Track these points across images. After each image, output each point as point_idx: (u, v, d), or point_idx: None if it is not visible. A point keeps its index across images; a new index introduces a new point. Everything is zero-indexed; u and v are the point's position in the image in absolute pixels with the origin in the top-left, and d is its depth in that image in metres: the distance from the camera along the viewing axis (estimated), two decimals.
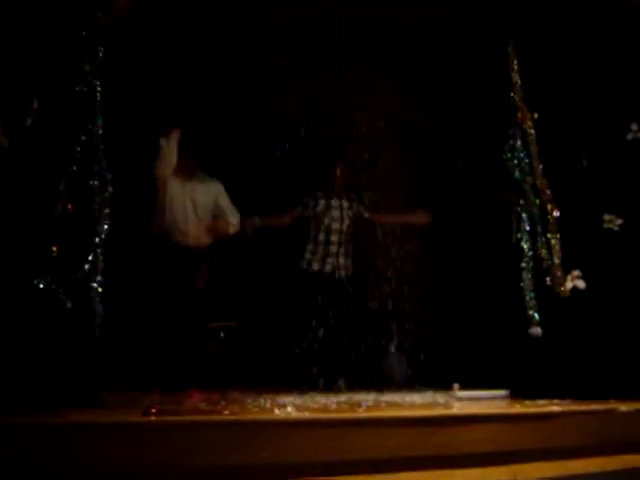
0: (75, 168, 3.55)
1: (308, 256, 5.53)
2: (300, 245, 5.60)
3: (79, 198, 3.56)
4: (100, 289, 3.54)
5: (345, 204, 5.61)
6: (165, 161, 5.08)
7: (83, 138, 3.62)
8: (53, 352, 3.31)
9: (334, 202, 5.56)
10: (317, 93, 5.87)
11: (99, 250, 3.59)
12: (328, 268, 5.48)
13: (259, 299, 5.78)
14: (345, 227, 5.57)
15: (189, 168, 5.32)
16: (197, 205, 5.33)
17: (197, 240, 5.31)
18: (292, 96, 5.97)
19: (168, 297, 4.90)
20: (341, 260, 5.53)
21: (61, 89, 3.62)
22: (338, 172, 5.60)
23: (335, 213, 5.56)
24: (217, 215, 5.39)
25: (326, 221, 5.52)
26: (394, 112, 5.99)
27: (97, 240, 3.57)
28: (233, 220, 5.38)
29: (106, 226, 3.64)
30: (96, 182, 3.66)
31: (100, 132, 3.72)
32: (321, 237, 5.51)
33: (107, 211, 3.66)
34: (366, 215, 5.64)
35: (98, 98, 3.72)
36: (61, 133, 3.58)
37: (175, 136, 5.05)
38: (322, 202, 5.56)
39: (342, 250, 5.53)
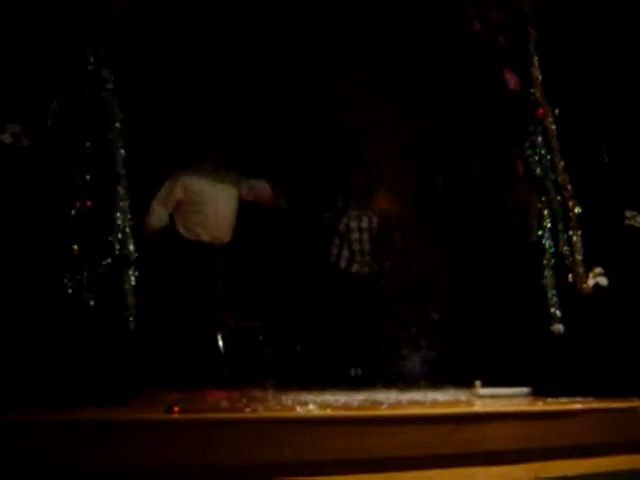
0: (92, 166, 3.57)
1: (334, 255, 5.57)
2: (324, 244, 5.62)
3: (97, 194, 3.57)
4: (133, 283, 3.56)
5: (364, 204, 5.66)
6: (156, 214, 4.95)
7: (99, 137, 3.64)
8: (79, 350, 3.34)
9: (352, 203, 5.62)
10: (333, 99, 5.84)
11: (129, 244, 3.61)
12: (354, 267, 5.53)
13: (282, 296, 5.78)
14: (364, 225, 5.62)
15: (214, 161, 5.18)
16: (229, 199, 5.20)
17: (225, 237, 5.16)
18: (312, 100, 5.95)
19: (191, 296, 4.82)
20: (367, 258, 5.57)
21: (78, 89, 3.64)
22: (355, 177, 5.65)
23: (353, 212, 5.61)
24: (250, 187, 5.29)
25: (344, 220, 5.57)
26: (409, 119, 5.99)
27: (121, 236, 3.59)
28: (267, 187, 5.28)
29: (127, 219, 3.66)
30: (115, 180, 3.67)
31: (118, 129, 3.73)
32: (345, 237, 5.56)
33: (127, 204, 3.67)
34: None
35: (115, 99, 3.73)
36: (78, 131, 3.60)
37: (179, 182, 4.99)
38: (341, 204, 5.61)
39: (365, 247, 5.57)
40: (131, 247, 3.63)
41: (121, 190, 3.67)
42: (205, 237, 5.05)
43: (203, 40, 5.39)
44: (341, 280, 5.51)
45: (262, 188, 5.27)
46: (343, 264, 5.52)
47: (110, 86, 3.73)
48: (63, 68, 3.63)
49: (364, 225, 5.63)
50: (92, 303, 3.39)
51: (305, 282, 5.81)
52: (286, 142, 5.96)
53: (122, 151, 3.75)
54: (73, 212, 3.47)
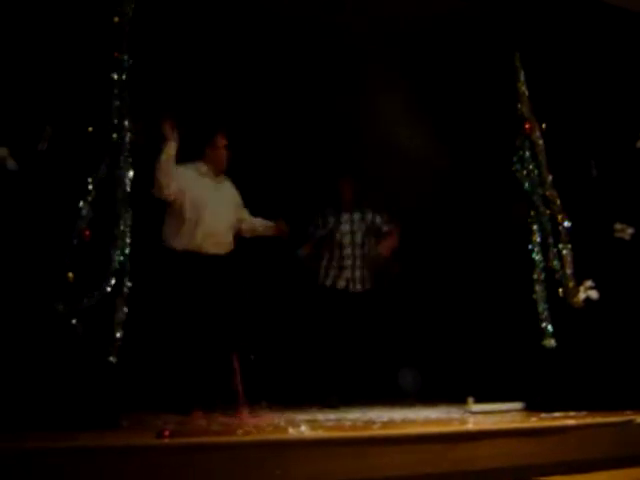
0: (95, 194, 3.55)
1: (322, 272, 5.49)
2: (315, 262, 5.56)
3: (98, 225, 3.54)
4: (124, 316, 3.52)
5: (356, 216, 5.57)
6: (165, 176, 4.26)
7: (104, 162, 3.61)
8: (69, 376, 3.31)
9: (344, 217, 5.52)
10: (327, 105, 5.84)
11: (125, 276, 3.57)
12: (342, 283, 5.44)
13: (273, 316, 5.74)
14: (357, 240, 5.53)
15: (219, 165, 4.58)
16: (230, 208, 4.62)
17: (229, 247, 4.58)
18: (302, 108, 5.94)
19: (194, 314, 4.31)
20: (356, 273, 5.49)
21: (81, 116, 3.62)
22: (345, 187, 5.56)
23: (345, 227, 5.52)
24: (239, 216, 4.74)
25: (337, 236, 5.48)
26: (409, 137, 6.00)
27: (118, 267, 3.55)
28: (258, 222, 4.81)
29: (126, 252, 3.61)
30: (116, 208, 3.63)
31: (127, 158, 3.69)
32: (335, 253, 5.47)
33: (128, 240, 3.63)
34: (385, 228, 5.58)
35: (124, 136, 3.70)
36: (82, 158, 3.58)
37: (173, 144, 4.25)
38: (332, 219, 5.52)
39: (357, 263, 5.49)
40: (127, 281, 3.57)
41: (122, 224, 3.61)
42: (206, 246, 4.43)
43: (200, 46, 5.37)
44: (331, 296, 5.43)
45: (265, 227, 4.82)
46: (329, 281, 5.43)
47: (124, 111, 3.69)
48: (60, 94, 3.61)
49: (357, 240, 5.54)
50: (81, 330, 3.37)
51: (293, 301, 5.75)
52: (282, 150, 5.93)
53: (128, 181, 3.69)
54: (71, 240, 3.44)
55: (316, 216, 5.50)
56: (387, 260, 5.48)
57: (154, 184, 4.29)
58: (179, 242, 4.37)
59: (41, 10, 3.61)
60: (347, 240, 5.43)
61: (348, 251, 5.42)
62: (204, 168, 4.56)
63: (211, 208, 4.44)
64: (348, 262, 5.40)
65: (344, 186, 5.52)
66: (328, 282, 5.38)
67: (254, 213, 4.89)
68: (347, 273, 5.40)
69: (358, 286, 5.41)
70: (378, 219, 5.52)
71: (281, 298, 5.86)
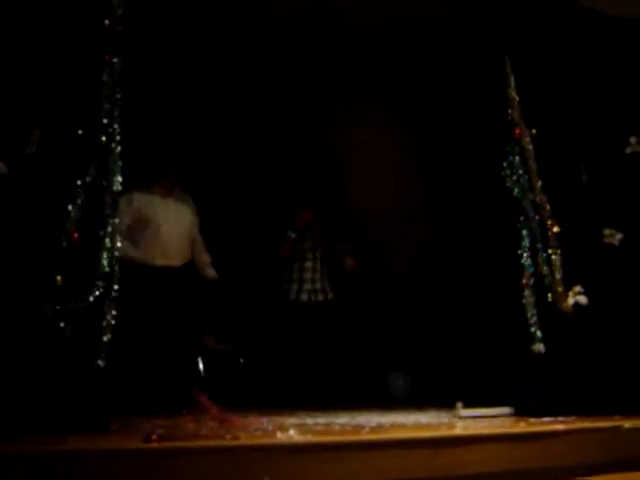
0: (83, 197, 3.52)
1: (285, 286, 5.52)
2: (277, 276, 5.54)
3: (86, 228, 3.52)
4: (112, 321, 3.49)
5: (318, 233, 5.58)
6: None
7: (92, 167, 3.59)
8: (58, 379, 3.29)
9: (307, 233, 5.55)
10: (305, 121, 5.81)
11: (113, 280, 3.55)
12: (304, 296, 5.48)
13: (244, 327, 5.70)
14: (319, 254, 5.56)
15: (169, 182, 5.02)
16: (183, 223, 5.02)
17: (181, 260, 4.99)
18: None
19: (160, 319, 4.67)
20: (317, 285, 5.52)
21: (70, 119, 3.60)
22: (306, 214, 5.54)
23: (307, 243, 5.55)
24: (193, 242, 5.12)
25: (298, 251, 5.52)
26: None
27: (107, 270, 3.52)
28: (208, 260, 5.18)
29: (115, 256, 3.58)
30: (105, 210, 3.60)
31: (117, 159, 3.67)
32: (295, 266, 5.51)
33: (117, 243, 3.60)
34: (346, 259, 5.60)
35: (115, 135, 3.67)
36: (71, 161, 3.56)
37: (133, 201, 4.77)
38: (292, 235, 5.51)
39: (317, 276, 5.52)
40: (115, 285, 3.55)
41: (110, 228, 3.59)
42: (159, 259, 4.86)
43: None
44: (295, 309, 5.46)
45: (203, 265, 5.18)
46: (292, 296, 5.47)
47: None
48: (49, 96, 3.58)
49: (318, 254, 5.56)
50: (69, 334, 3.35)
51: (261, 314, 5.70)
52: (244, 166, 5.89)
53: (118, 184, 3.67)
54: (60, 242, 3.42)
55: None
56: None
57: None
58: (136, 254, 4.77)
59: (31, 13, 3.59)
60: (309, 255, 5.49)
61: (309, 264, 5.47)
62: (156, 189, 4.95)
63: (164, 224, 4.86)
64: (308, 275, 5.46)
65: (305, 215, 5.51)
66: (292, 296, 5.44)
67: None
68: (308, 286, 5.45)
69: (320, 297, 5.47)
70: (341, 247, 5.55)
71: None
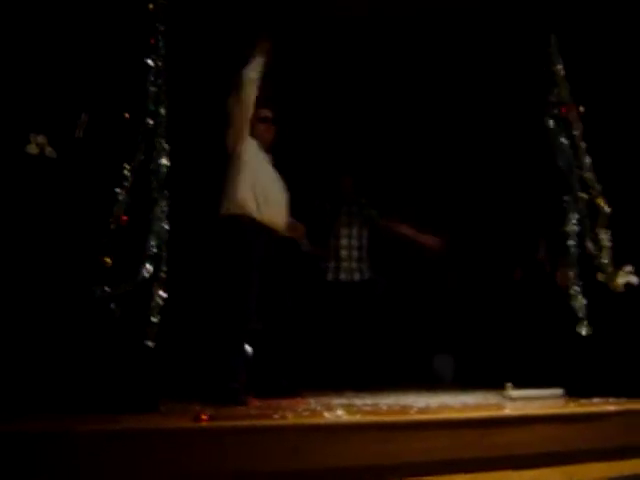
0: (132, 179, 3.56)
1: (322, 264, 5.54)
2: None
3: (135, 211, 3.56)
4: (161, 302, 3.53)
5: (354, 209, 5.60)
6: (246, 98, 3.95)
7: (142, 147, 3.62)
8: (108, 360, 3.35)
9: (343, 209, 5.57)
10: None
11: (161, 261, 3.57)
12: (342, 275, 5.49)
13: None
14: (355, 232, 5.56)
15: (266, 141, 4.35)
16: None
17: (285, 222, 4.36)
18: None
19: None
20: (353, 264, 5.52)
21: (117, 103, 3.64)
22: (346, 180, 5.60)
23: (343, 219, 5.57)
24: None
25: (335, 228, 5.53)
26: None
27: (156, 251, 3.56)
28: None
29: (163, 238, 3.61)
30: (154, 194, 3.63)
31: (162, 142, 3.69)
32: (332, 244, 5.53)
33: (165, 226, 3.63)
34: (379, 221, 5.59)
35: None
36: (119, 145, 3.60)
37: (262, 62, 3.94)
38: (329, 210, 5.55)
39: (354, 254, 5.52)
40: (164, 266, 3.57)
41: (158, 210, 3.62)
42: (276, 221, 4.21)
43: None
44: (332, 288, 5.47)
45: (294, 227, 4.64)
46: (331, 276, 5.49)
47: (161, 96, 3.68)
48: (97, 82, 3.62)
49: (354, 232, 5.56)
50: (118, 315, 3.40)
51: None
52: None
53: (165, 167, 3.67)
54: (109, 225, 3.47)
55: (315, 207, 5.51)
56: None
57: (228, 106, 4.14)
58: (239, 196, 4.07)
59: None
60: (345, 232, 5.49)
61: (345, 242, 5.48)
62: (256, 142, 4.28)
63: (271, 181, 4.26)
64: (344, 253, 5.46)
65: (344, 180, 5.55)
66: (330, 276, 5.45)
67: None
68: (345, 264, 5.45)
69: (356, 276, 5.47)
70: (373, 213, 5.55)
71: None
